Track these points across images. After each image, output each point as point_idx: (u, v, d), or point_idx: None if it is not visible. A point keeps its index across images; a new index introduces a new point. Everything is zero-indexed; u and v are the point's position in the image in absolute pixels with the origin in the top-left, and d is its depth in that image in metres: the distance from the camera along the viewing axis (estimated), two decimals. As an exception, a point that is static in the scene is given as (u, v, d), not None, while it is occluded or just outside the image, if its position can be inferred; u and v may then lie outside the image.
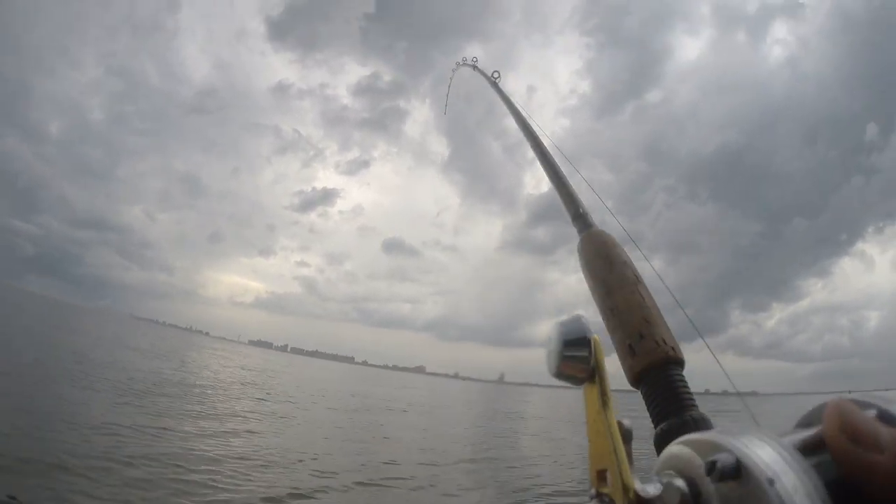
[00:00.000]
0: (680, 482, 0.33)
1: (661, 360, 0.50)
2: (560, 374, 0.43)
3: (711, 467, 0.32)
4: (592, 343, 0.41)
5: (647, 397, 0.50)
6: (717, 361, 0.72)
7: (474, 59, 1.92)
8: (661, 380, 0.49)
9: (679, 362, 0.51)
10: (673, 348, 0.52)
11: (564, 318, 0.43)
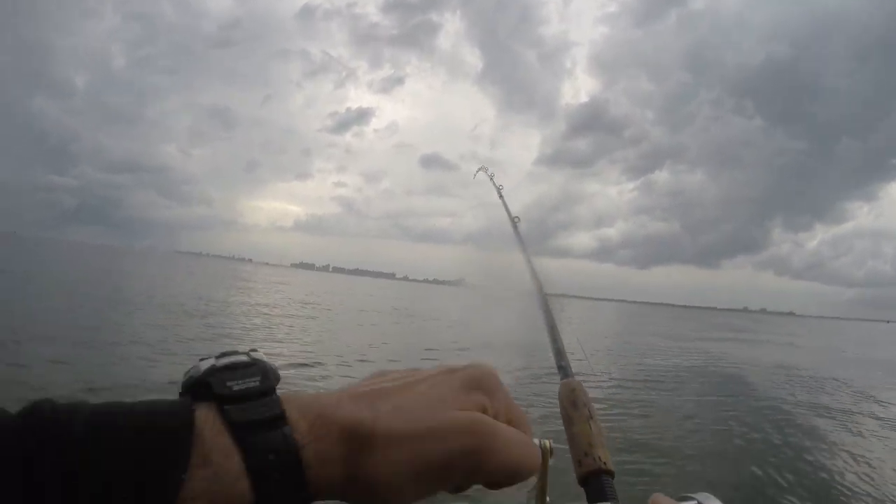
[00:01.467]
0: None
1: (596, 470, 0.73)
2: None
3: None
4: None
5: (587, 494, 0.72)
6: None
7: (501, 187, 2.07)
8: (595, 484, 0.72)
9: (609, 472, 0.73)
10: (605, 463, 0.74)
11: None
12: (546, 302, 1.21)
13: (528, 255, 1.45)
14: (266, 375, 0.41)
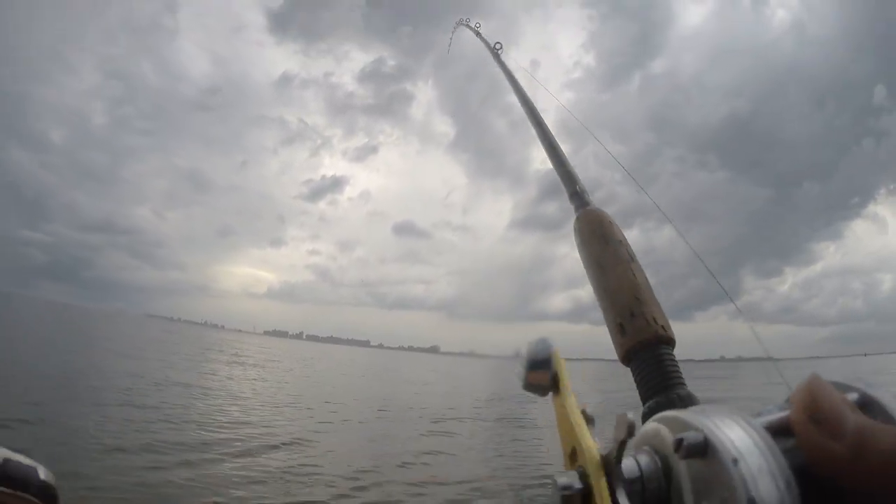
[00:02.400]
0: (653, 457, 0.34)
1: (651, 338, 0.50)
2: (528, 387, 0.44)
3: (678, 445, 0.33)
4: (553, 358, 0.43)
5: (636, 375, 0.50)
6: (754, 333, 0.69)
7: (478, 25, 1.81)
8: (649, 358, 0.49)
9: (669, 341, 0.50)
10: (663, 326, 0.51)
11: (532, 339, 0.46)
12: (542, 122, 1.01)
13: (516, 81, 1.25)
14: None
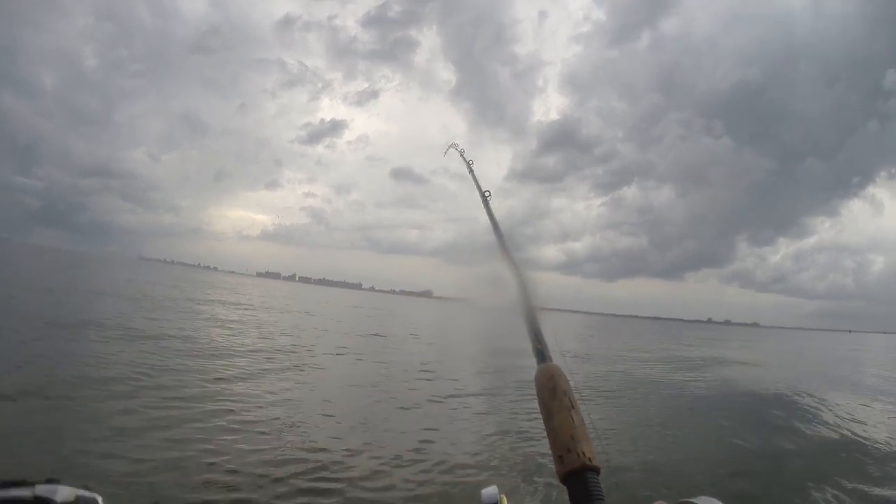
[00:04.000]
0: None
1: (580, 467, 0.67)
2: None
3: None
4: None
5: (570, 494, 0.67)
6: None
7: (471, 161, 1.99)
8: (579, 482, 0.66)
9: (594, 469, 0.67)
10: (590, 458, 0.68)
11: (485, 489, 0.72)
12: (523, 281, 1.11)
13: (500, 232, 1.36)
14: None
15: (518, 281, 1.11)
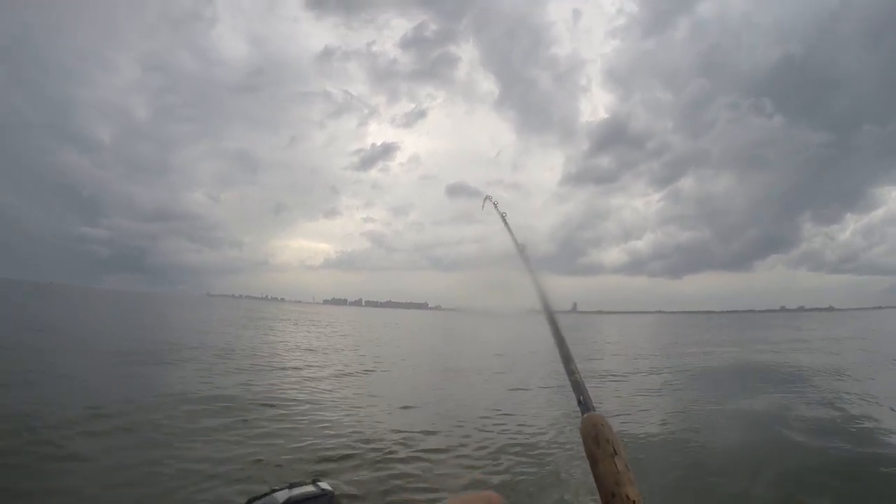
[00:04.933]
0: None
1: None
2: None
3: None
4: None
5: None
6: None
7: (504, 214, 2.11)
8: None
9: None
10: (634, 501, 0.71)
11: None
12: (559, 332, 1.16)
13: (538, 281, 1.40)
14: None
15: (557, 337, 1.14)
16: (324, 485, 0.50)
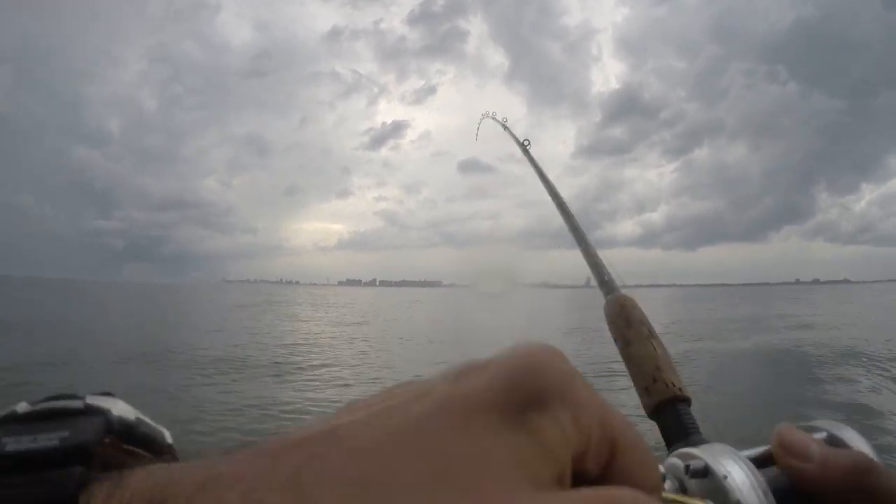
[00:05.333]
0: (673, 481, 0.47)
1: (671, 398, 0.61)
2: None
3: (687, 469, 0.46)
4: None
5: (660, 426, 0.61)
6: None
7: (504, 119, 1.91)
8: (670, 413, 0.61)
9: (685, 399, 0.62)
10: (680, 388, 0.62)
11: None
12: (571, 216, 1.11)
13: (545, 175, 1.35)
14: (83, 433, 0.25)
15: (568, 217, 1.10)
16: (97, 401, 0.27)
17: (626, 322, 0.72)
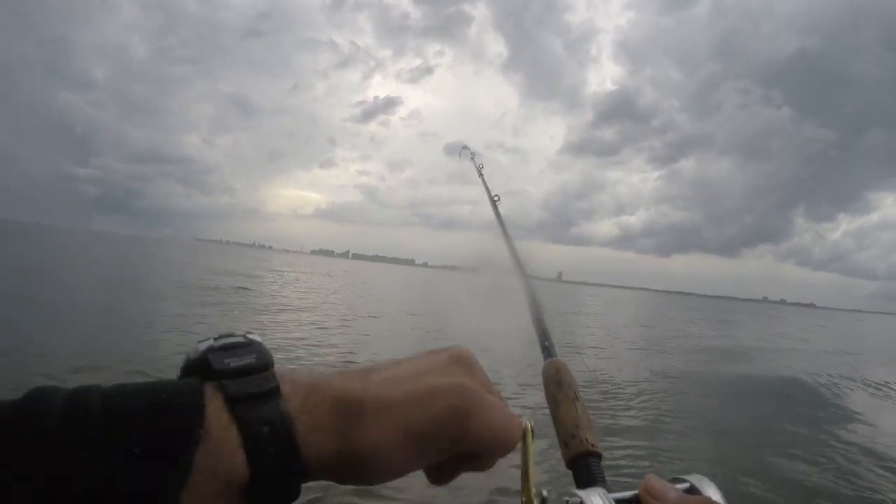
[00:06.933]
0: None
1: (585, 452, 0.72)
2: None
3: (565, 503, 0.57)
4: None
5: (574, 475, 0.72)
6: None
7: (481, 166, 2.00)
8: (582, 465, 0.72)
9: (597, 455, 0.73)
10: (593, 444, 0.73)
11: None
12: (529, 282, 1.18)
13: (508, 235, 1.42)
14: (262, 354, 0.41)
15: (526, 286, 1.16)
16: (254, 336, 0.42)
17: (557, 385, 0.83)
